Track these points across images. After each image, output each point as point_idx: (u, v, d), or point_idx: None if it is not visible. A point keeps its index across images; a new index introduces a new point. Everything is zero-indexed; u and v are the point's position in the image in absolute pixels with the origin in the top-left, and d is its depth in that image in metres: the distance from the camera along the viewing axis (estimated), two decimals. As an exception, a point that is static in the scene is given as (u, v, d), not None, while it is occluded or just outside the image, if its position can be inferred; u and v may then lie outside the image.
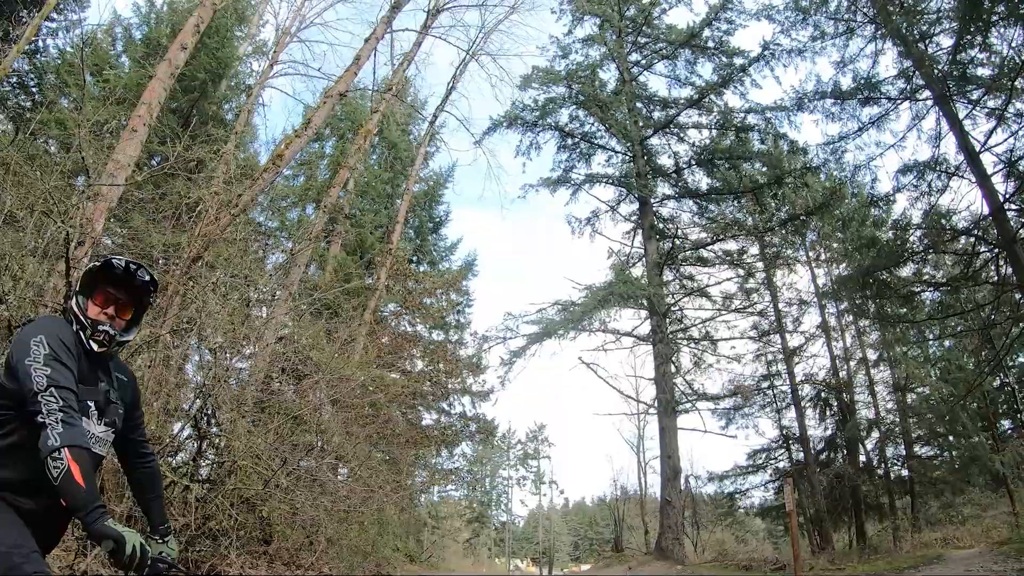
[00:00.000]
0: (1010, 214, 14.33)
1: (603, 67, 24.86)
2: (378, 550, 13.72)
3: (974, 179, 14.54)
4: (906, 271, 17.83)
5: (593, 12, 24.18)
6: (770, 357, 27.22)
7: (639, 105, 24.60)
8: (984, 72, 14.93)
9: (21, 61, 16.44)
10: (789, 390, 25.66)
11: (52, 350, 2.48)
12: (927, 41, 15.50)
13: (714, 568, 18.72)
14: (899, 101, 16.44)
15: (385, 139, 25.56)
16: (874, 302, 18.60)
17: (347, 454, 12.54)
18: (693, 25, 23.03)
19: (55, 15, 17.37)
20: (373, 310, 20.54)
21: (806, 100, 17.88)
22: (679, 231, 25.64)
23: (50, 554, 2.71)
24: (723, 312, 26.74)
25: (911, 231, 16.76)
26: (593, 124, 25.21)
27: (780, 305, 26.78)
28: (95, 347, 2.69)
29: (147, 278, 2.81)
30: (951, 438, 22.50)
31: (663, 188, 25.14)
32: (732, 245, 26.15)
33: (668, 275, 25.25)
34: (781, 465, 25.79)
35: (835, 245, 26.10)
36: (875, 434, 24.68)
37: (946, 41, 15.14)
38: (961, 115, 14.96)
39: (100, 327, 2.70)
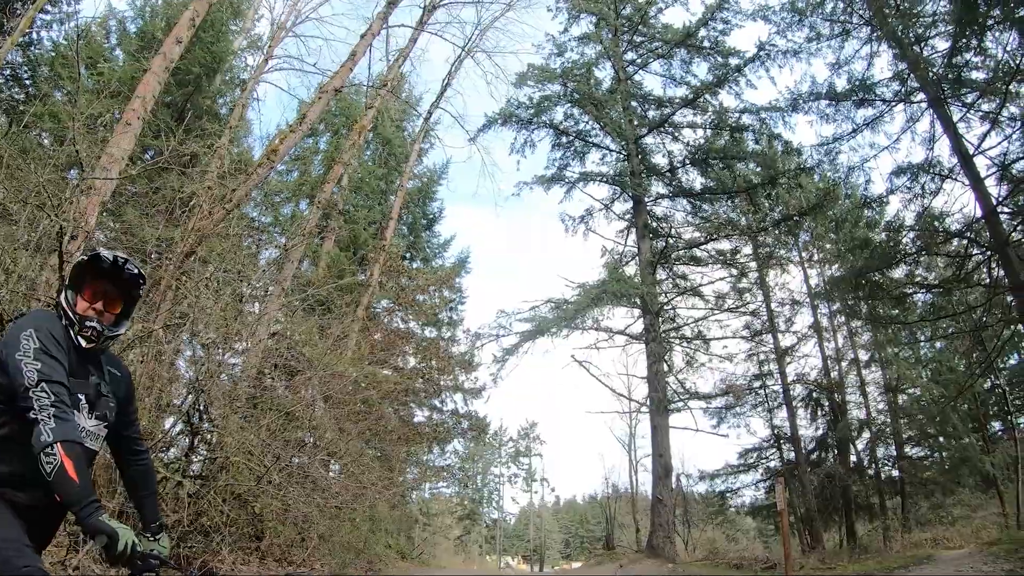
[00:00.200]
0: (1003, 217, 14.39)
1: (598, 65, 24.85)
2: (370, 547, 13.72)
3: (967, 182, 14.60)
4: (898, 273, 17.88)
5: (589, 10, 24.13)
6: (762, 357, 27.27)
7: (634, 104, 24.59)
8: (979, 75, 14.98)
9: (15, 53, 16.37)
10: (781, 390, 25.72)
11: (42, 344, 2.48)
12: (922, 44, 15.55)
13: (705, 566, 18.76)
14: (894, 103, 16.48)
15: (380, 135, 25.51)
16: (866, 303, 18.65)
17: (339, 451, 12.52)
18: (689, 25, 23.00)
19: (49, 7, 17.26)
20: (366, 306, 20.53)
21: (801, 101, 17.90)
22: (673, 230, 25.63)
23: (44, 550, 2.69)
24: (716, 311, 26.76)
25: (904, 233, 16.81)
26: (588, 122, 25.18)
27: (773, 305, 26.82)
28: (83, 343, 2.68)
29: (135, 271, 2.82)
30: (942, 439, 22.59)
31: (657, 187, 25.15)
32: (725, 245, 26.16)
33: (661, 274, 25.22)
34: (772, 464, 25.86)
35: (828, 246, 26.16)
36: (866, 434, 24.76)
37: (941, 44, 15.20)
38: (955, 118, 15.01)
39: (88, 323, 2.70)
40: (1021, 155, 15.25)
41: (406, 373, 22.89)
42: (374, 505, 13.74)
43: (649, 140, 24.82)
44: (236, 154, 17.44)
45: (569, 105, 24.80)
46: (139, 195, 11.87)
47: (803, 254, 26.71)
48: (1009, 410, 21.64)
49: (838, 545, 22.15)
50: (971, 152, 14.46)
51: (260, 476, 9.22)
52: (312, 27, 34.17)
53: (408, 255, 27.45)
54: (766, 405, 26.69)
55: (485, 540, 57.71)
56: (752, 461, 26.59)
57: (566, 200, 25.54)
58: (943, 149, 18.91)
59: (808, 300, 25.99)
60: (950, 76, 14.54)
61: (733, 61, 22.23)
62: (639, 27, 24.45)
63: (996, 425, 23.55)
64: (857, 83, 16.65)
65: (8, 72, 17.21)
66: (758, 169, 23.47)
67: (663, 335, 23.99)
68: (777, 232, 25.25)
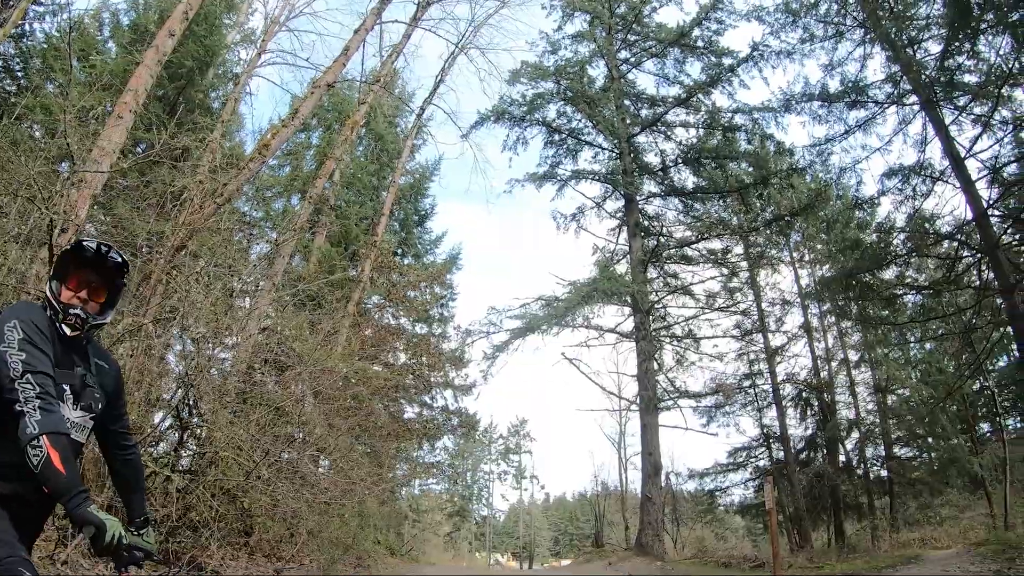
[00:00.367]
0: (993, 220, 14.49)
1: (592, 64, 24.85)
2: (359, 543, 13.70)
3: (958, 184, 14.68)
4: (889, 274, 17.97)
5: (583, 8, 24.12)
6: (752, 356, 27.38)
7: (627, 102, 24.61)
8: (971, 79, 15.08)
9: (7, 45, 16.25)
10: (771, 389, 25.83)
11: (26, 335, 2.47)
12: (915, 46, 15.62)
13: (693, 565, 18.82)
14: (886, 105, 16.56)
15: (372, 131, 25.45)
16: (856, 304, 18.75)
17: (328, 446, 12.50)
18: (683, 24, 23.02)
19: (43, -1, 17.20)
20: (357, 302, 20.50)
21: (793, 102, 17.97)
22: (664, 229, 25.68)
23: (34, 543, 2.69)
24: (706, 310, 26.84)
25: (895, 234, 16.91)
26: (580, 120, 25.19)
27: (763, 305, 26.93)
28: (67, 331, 2.68)
29: (119, 259, 2.81)
30: (930, 440, 22.72)
31: (649, 186, 25.18)
32: (717, 244, 26.26)
33: (652, 272, 25.27)
34: (761, 463, 25.96)
35: (819, 246, 26.26)
36: (855, 434, 24.89)
37: (934, 47, 15.28)
38: (947, 121, 15.11)
39: (71, 311, 2.69)
40: (1012, 158, 15.37)
41: (396, 369, 22.86)
42: (363, 501, 13.72)
43: (642, 139, 24.89)
44: (228, 148, 17.40)
45: (562, 103, 24.82)
46: (130, 188, 11.84)
47: (794, 254, 26.83)
48: (997, 412, 21.72)
49: (826, 544, 22.26)
50: (963, 155, 14.55)
51: (249, 471, 9.20)
52: (306, 22, 33.97)
53: (400, 251, 27.41)
54: (756, 404, 26.80)
55: (475, 537, 57.75)
56: (741, 460, 26.70)
57: (558, 198, 25.64)
58: (935, 152, 18.91)
59: (799, 300, 26.11)
60: (942, 79, 14.62)
61: (726, 61, 22.28)
62: (633, 26, 24.47)
63: (984, 426, 23.71)
64: (850, 85, 16.72)
65: (0, 64, 17.11)
66: (750, 169, 23.56)
67: (653, 333, 24.04)
68: (768, 232, 25.33)
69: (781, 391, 25.61)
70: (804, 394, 25.51)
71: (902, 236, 16.72)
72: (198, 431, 9.58)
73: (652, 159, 25.02)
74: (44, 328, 2.57)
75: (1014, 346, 16.36)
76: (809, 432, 25.42)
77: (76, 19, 17.93)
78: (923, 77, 14.93)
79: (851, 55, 17.05)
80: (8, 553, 2.34)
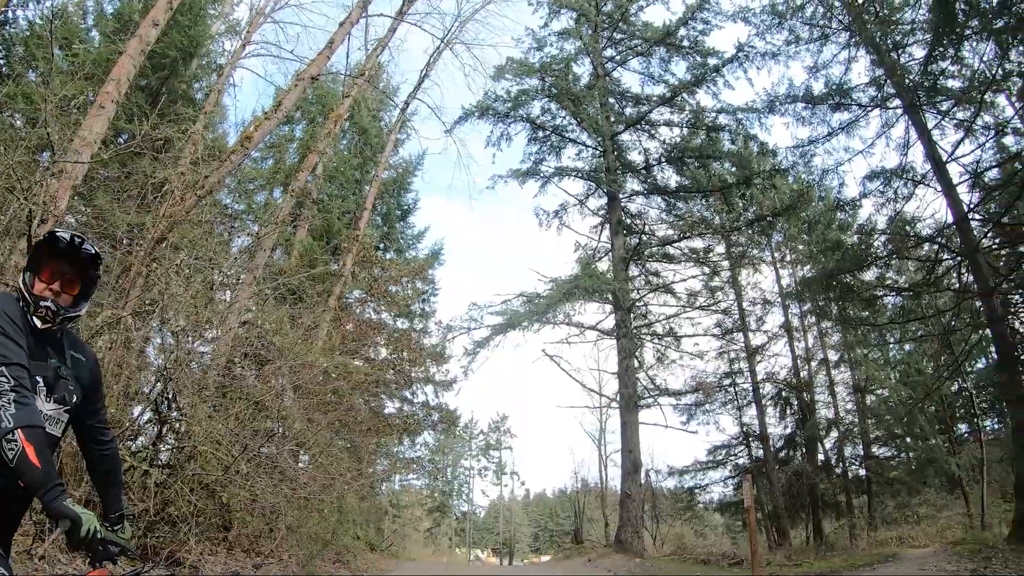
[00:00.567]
0: (974, 224, 14.68)
1: (577, 61, 24.90)
2: (338, 538, 13.66)
3: (940, 188, 14.86)
4: (869, 275, 18.15)
5: (570, 6, 24.15)
6: (733, 355, 27.58)
7: (611, 101, 24.68)
8: (955, 84, 15.25)
9: (-10, 32, 16.05)
10: (750, 388, 26.03)
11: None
12: (900, 51, 15.77)
13: (672, 561, 18.92)
14: (870, 108, 16.72)
15: (356, 124, 25.33)
16: (837, 304, 18.89)
17: (308, 441, 12.45)
18: (669, 23, 23.13)
19: (26, -15, 16.96)
20: (338, 296, 20.42)
21: (778, 103, 18.10)
22: (646, 227, 25.77)
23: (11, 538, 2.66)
24: (687, 309, 27.02)
25: (876, 236, 17.07)
26: (565, 118, 25.22)
27: (744, 304, 27.14)
28: (38, 323, 2.64)
29: (92, 251, 2.77)
30: (908, 440, 23.01)
31: (632, 184, 25.28)
32: (698, 243, 26.43)
33: (634, 270, 25.37)
34: (741, 462, 26.16)
35: (800, 247, 26.47)
36: (834, 434, 25.14)
37: (919, 52, 15.46)
38: (930, 125, 15.29)
39: (42, 303, 2.66)
40: (994, 163, 15.54)
41: (377, 364, 22.80)
42: (343, 496, 13.66)
43: (625, 137, 24.97)
44: (211, 140, 17.22)
45: (547, 100, 24.85)
46: (111, 180, 11.70)
47: (775, 254, 27.02)
48: (975, 413, 22.03)
49: (805, 542, 22.46)
50: (944, 159, 14.73)
51: (228, 466, 9.14)
52: (291, 13, 33.78)
53: (382, 246, 27.33)
54: (736, 403, 27.03)
55: (455, 533, 57.82)
56: (721, 458, 26.90)
57: (541, 194, 25.63)
58: (917, 155, 19.21)
59: (779, 300, 26.32)
60: (926, 83, 14.75)
61: (712, 61, 22.44)
62: (619, 24, 24.54)
63: (963, 427, 24.02)
64: (834, 87, 16.86)
65: (-19, 51, 16.87)
66: (733, 169, 23.72)
67: (634, 331, 24.14)
68: (750, 232, 25.52)
69: (761, 390, 25.82)
70: (784, 393, 25.73)
71: (883, 238, 16.90)
72: (177, 425, 9.51)
73: (636, 157, 25.15)
74: (17, 319, 2.53)
75: (992, 348, 16.53)
76: (788, 431, 25.66)
77: (60, 7, 17.73)
78: (907, 81, 15.08)
79: (836, 58, 17.23)
80: None
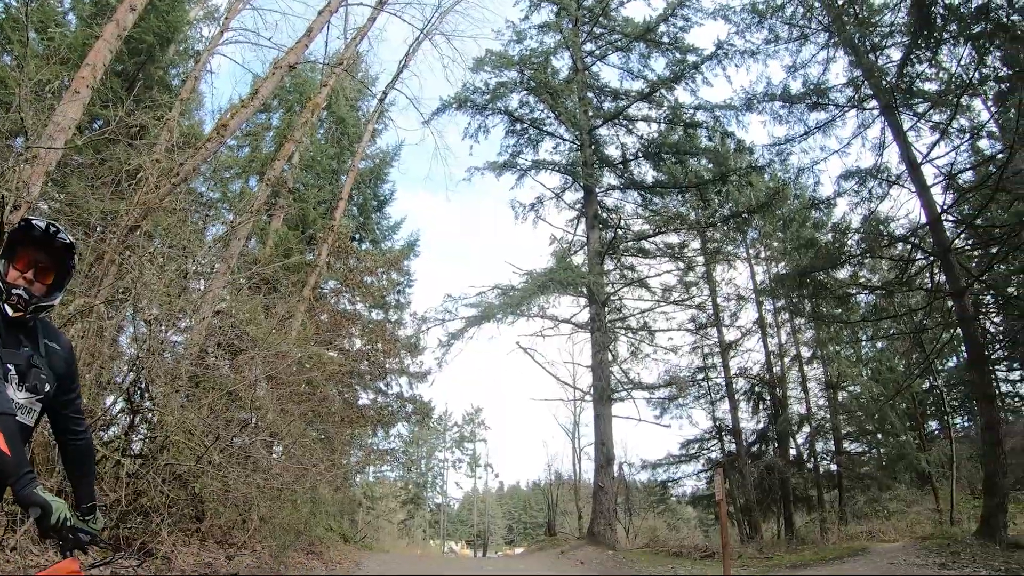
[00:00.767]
0: (947, 224, 14.94)
1: (557, 55, 24.85)
2: (311, 529, 13.61)
3: (914, 189, 15.10)
4: (843, 273, 18.40)
5: (551, -1, 24.20)
6: (706, 350, 27.82)
7: (590, 95, 24.67)
8: (931, 87, 15.48)
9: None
10: (724, 383, 26.28)
11: None
12: (878, 53, 15.95)
13: (645, 554, 19.04)
14: (846, 108, 16.93)
15: (333, 114, 25.14)
16: (810, 301, 19.12)
17: (281, 431, 12.37)
18: (649, 19, 23.14)
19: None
20: (313, 286, 20.28)
21: (755, 101, 18.28)
22: (622, 221, 25.81)
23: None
24: (662, 303, 27.15)
25: (850, 235, 17.30)
26: (543, 111, 25.16)
27: (718, 299, 27.38)
28: (9, 311, 2.64)
29: (67, 240, 2.76)
30: (879, 436, 23.37)
31: (609, 178, 25.29)
32: (674, 238, 26.57)
33: (609, 264, 25.41)
34: (713, 456, 26.44)
35: (775, 244, 26.77)
36: (806, 429, 25.50)
37: (896, 54, 15.69)
38: (906, 126, 15.53)
39: (14, 291, 2.65)
40: (968, 166, 15.79)
41: (352, 355, 22.68)
42: (315, 487, 13.60)
43: (603, 131, 24.97)
44: (186, 127, 17.06)
45: (525, 93, 24.78)
46: (85, 166, 11.54)
47: (750, 251, 27.29)
48: (946, 410, 22.40)
49: (776, 536, 22.73)
50: (919, 160, 14.96)
51: (200, 456, 9.08)
52: (270, 0, 33.44)
53: (357, 236, 27.17)
54: (709, 397, 27.28)
55: (429, 525, 57.82)
56: (694, 452, 27.17)
57: (517, 187, 25.61)
58: (892, 156, 19.30)
59: (753, 296, 26.60)
60: (903, 85, 14.93)
61: (691, 58, 22.52)
62: (600, 19, 24.55)
63: (933, 424, 24.48)
64: (812, 87, 17.04)
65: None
66: (710, 165, 23.85)
67: (609, 325, 24.21)
68: (726, 228, 25.75)
69: (734, 385, 26.09)
70: (756, 388, 26.00)
71: (857, 237, 17.13)
72: (149, 415, 9.43)
73: (613, 152, 25.17)
74: None
75: (963, 348, 16.81)
76: (761, 426, 25.96)
77: (37, -11, 17.42)
78: (884, 83, 15.25)
79: (814, 58, 17.41)
80: None
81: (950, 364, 24.51)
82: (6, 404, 2.35)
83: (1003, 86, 13.82)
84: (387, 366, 24.72)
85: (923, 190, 14.91)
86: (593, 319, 22.69)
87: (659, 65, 24.34)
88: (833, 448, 24.96)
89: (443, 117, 24.50)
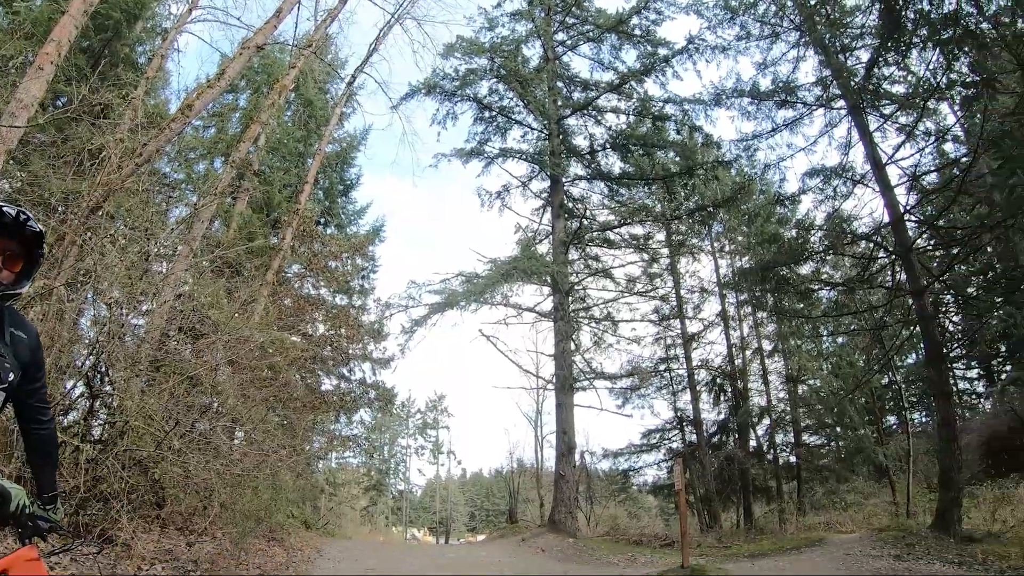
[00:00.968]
0: (909, 225, 15.23)
1: (528, 43, 24.78)
2: (272, 515, 13.49)
3: (878, 188, 15.37)
4: (805, 269, 18.75)
5: (524, -14, 24.12)
6: (669, 341, 28.12)
7: (560, 84, 24.66)
8: (899, 89, 15.73)
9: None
10: (686, 374, 26.58)
11: None
12: (848, 53, 16.17)
13: (605, 542, 19.22)
14: (814, 107, 17.15)
15: (301, 96, 24.82)
16: (773, 295, 19.39)
17: (242, 417, 12.25)
18: (622, 11, 23.16)
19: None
20: (276, 271, 20.06)
21: (724, 96, 18.43)
22: (588, 212, 25.90)
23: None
24: (626, 294, 27.35)
25: (813, 231, 17.57)
26: (512, 99, 25.09)
27: (682, 292, 27.68)
28: None
29: (37, 229, 2.71)
30: (838, 429, 23.82)
31: (576, 168, 25.32)
32: (639, 230, 26.78)
33: (574, 254, 25.48)
34: (675, 446, 26.75)
35: (739, 238, 27.09)
36: (766, 421, 25.91)
37: (866, 56, 15.90)
38: (872, 127, 15.82)
39: None
40: (932, 168, 16.09)
41: (315, 340, 22.51)
42: (277, 473, 13.48)
43: (572, 121, 24.97)
44: (152, 106, 16.70)
45: (495, 80, 24.68)
46: (47, 145, 11.27)
47: (715, 244, 27.59)
48: (903, 406, 22.93)
49: (735, 525, 23.07)
50: (884, 160, 15.24)
51: (160, 441, 8.96)
52: (241, -22, 32.82)
53: (322, 220, 26.91)
54: (671, 388, 27.60)
55: (391, 511, 57.71)
56: (655, 441, 27.47)
57: (484, 175, 25.55)
58: (858, 155, 19.74)
59: (717, 289, 26.94)
60: (871, 87, 15.14)
61: (662, 51, 22.57)
62: (572, 8, 24.53)
63: (891, 419, 25.02)
64: (781, 84, 17.21)
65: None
66: (677, 159, 24.01)
67: (572, 314, 24.31)
68: (691, 221, 26.04)
69: (696, 376, 26.41)
70: (718, 380, 26.33)
71: (820, 234, 17.39)
72: (109, 400, 9.29)
73: (581, 142, 25.19)
74: None
75: (921, 345, 17.18)
76: (722, 417, 26.32)
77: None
78: (852, 83, 15.45)
79: (785, 56, 17.58)
80: None
81: (909, 361, 25.13)
82: None
83: (970, 91, 14.06)
84: (350, 352, 24.58)
85: (887, 190, 15.19)
86: (557, 308, 22.75)
87: (630, 57, 24.39)
88: (792, 440, 25.42)
89: (411, 102, 24.32)
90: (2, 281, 2.64)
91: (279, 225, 22.21)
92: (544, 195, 25.28)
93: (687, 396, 26.64)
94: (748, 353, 26.77)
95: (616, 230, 26.15)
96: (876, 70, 15.10)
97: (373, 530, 40.04)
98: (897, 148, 15.82)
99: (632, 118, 24.23)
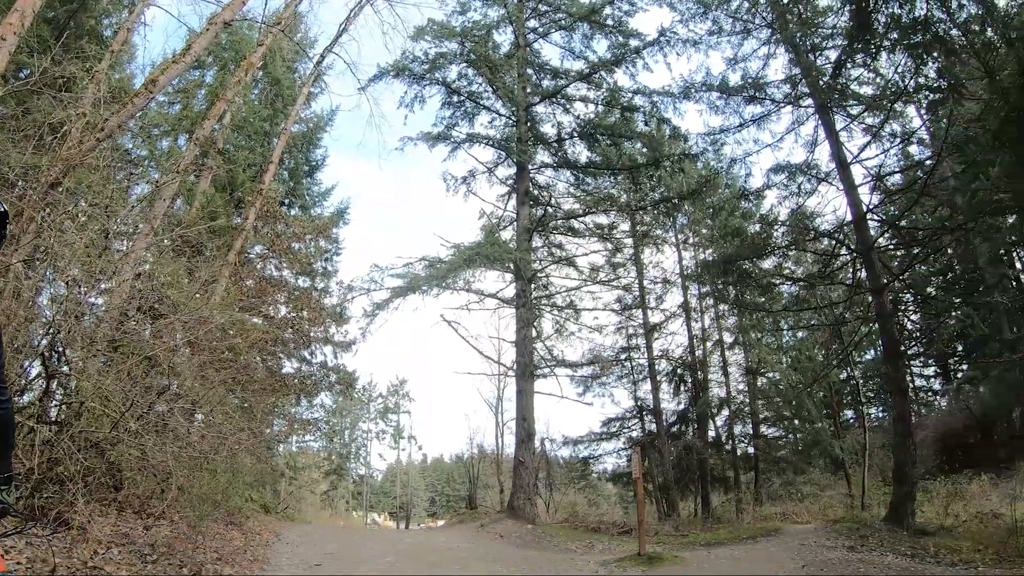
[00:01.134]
0: (871, 224, 15.52)
1: (499, 29, 24.63)
2: (230, 499, 13.36)
3: (842, 187, 15.63)
4: (768, 263, 18.99)
5: (497, -28, 23.94)
6: (631, 331, 28.33)
7: (530, 71, 24.61)
8: (868, 91, 15.94)
9: None
10: (646, 364, 26.80)
11: None
12: (818, 53, 16.34)
13: (564, 528, 19.36)
14: (782, 104, 17.34)
15: (269, 74, 24.41)
16: (735, 288, 19.62)
17: (201, 399, 12.08)
18: (595, 1, 23.13)
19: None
20: (239, 251, 19.76)
21: (694, 90, 18.55)
22: (553, 200, 25.97)
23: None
24: (589, 283, 27.52)
25: (777, 227, 17.80)
26: (481, 84, 24.96)
27: (645, 282, 27.88)
28: None
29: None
30: (796, 422, 24.22)
31: (542, 156, 25.31)
32: (604, 219, 26.90)
33: (537, 241, 25.52)
34: (634, 434, 27.01)
35: (704, 231, 27.35)
36: (725, 412, 26.25)
37: (836, 56, 16.01)
38: (839, 126, 16.06)
39: None
40: (896, 169, 16.38)
41: (276, 322, 22.27)
42: (235, 456, 13.33)
43: (540, 109, 24.95)
44: (116, 80, 16.34)
45: (464, 65, 24.50)
46: (7, 117, 10.95)
47: (679, 236, 27.80)
48: (861, 400, 23.37)
49: (693, 514, 23.37)
50: (849, 160, 15.51)
51: (116, 422, 8.80)
52: (210, -49, 32.09)
53: (287, 201, 26.58)
54: (631, 377, 27.83)
55: (352, 496, 57.50)
56: (615, 430, 27.70)
57: (450, 159, 25.32)
58: (823, 154, 19.94)
59: (679, 280, 27.19)
60: (839, 86, 15.34)
61: (633, 42, 22.62)
62: (545, -5, 24.46)
63: (848, 413, 25.52)
64: (750, 80, 17.38)
65: None
66: (644, 150, 24.14)
67: (534, 301, 24.36)
68: (656, 212, 26.22)
69: (656, 366, 26.64)
70: (678, 371, 26.61)
71: (783, 229, 17.63)
72: (66, 380, 9.11)
73: (548, 130, 25.18)
74: None
75: (880, 342, 17.52)
76: (681, 407, 26.61)
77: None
78: (821, 82, 15.63)
79: (755, 53, 17.77)
80: None
81: (867, 357, 25.66)
82: None
83: (937, 96, 14.33)
84: (312, 335, 24.37)
85: (851, 189, 15.45)
86: (519, 295, 22.78)
87: (601, 47, 24.41)
88: (751, 431, 25.81)
89: (380, 84, 24.05)
90: None
91: (242, 205, 21.91)
92: (510, 182, 25.24)
93: (647, 385, 26.88)
94: (709, 344, 27.09)
95: (581, 219, 26.25)
96: (844, 71, 15.31)
97: (333, 514, 39.94)
98: (862, 148, 16.14)
99: (601, 108, 24.29)
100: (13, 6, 9.25)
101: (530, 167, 24.24)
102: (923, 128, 16.75)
